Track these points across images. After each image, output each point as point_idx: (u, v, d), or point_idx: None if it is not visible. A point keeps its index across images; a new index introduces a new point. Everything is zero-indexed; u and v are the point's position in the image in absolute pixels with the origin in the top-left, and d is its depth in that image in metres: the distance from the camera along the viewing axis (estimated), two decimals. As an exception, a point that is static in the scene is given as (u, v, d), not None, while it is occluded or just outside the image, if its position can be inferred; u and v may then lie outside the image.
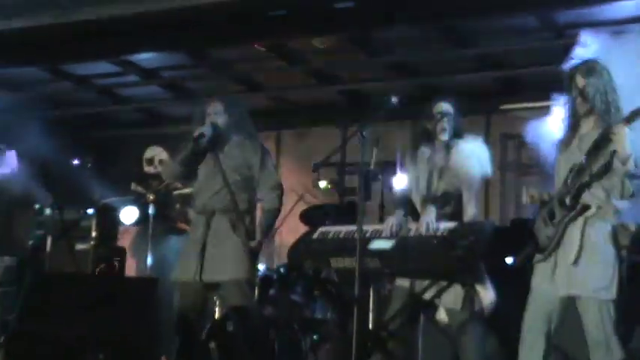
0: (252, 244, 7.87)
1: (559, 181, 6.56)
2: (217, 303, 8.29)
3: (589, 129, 6.48)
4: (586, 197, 6.37)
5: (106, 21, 10.63)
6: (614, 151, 6.10)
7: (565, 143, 6.64)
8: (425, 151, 7.68)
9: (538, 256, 6.63)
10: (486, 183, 7.72)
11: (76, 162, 12.81)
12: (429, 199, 7.42)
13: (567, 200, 6.40)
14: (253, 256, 7.94)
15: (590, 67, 6.47)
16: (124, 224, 12.46)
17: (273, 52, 12.10)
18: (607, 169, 6.20)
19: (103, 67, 12.72)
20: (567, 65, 6.71)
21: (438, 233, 7.00)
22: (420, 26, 10.66)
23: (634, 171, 6.08)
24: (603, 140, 6.26)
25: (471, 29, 10.90)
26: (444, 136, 7.51)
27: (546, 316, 6.53)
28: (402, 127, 11.82)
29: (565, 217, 6.42)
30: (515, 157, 11.08)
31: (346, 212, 10.02)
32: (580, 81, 6.42)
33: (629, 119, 6.10)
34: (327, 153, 11.51)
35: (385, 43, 11.82)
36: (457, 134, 7.50)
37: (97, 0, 10.64)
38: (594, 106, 6.40)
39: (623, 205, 6.36)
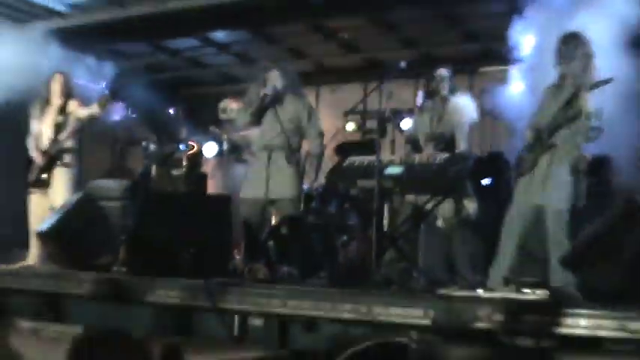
0: (306, 177, 8.07)
1: (543, 119, 6.68)
2: (274, 213, 8.26)
3: (569, 83, 6.54)
4: (557, 135, 6.53)
5: (192, 8, 10.62)
6: (580, 110, 6.35)
7: (552, 90, 6.79)
8: (428, 103, 7.80)
9: (519, 176, 6.73)
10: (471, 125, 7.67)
11: (171, 111, 12.81)
12: (430, 137, 7.50)
13: (544, 136, 6.45)
14: (300, 180, 7.99)
15: (577, 37, 6.53)
16: (205, 156, 12.45)
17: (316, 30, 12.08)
18: (574, 119, 6.43)
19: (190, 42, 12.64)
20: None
21: (436, 161, 7.00)
22: (421, 10, 10.45)
23: (594, 124, 6.29)
24: (574, 98, 6.45)
25: (460, 13, 10.77)
26: (443, 93, 7.64)
27: (522, 217, 6.66)
28: (407, 84, 11.79)
29: (541, 147, 6.56)
30: (490, 106, 11.01)
31: (367, 147, 9.96)
32: (569, 46, 6.50)
33: (592, 87, 6.33)
34: (353, 104, 11.66)
35: (395, 23, 11.75)
36: (452, 91, 7.63)
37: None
38: (574, 69, 6.46)
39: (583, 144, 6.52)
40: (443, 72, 7.83)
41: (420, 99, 8.28)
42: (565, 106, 6.52)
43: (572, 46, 6.57)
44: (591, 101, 6.36)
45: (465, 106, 7.63)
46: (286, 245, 7.48)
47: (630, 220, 5.61)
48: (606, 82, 6.33)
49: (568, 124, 6.50)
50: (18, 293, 6.90)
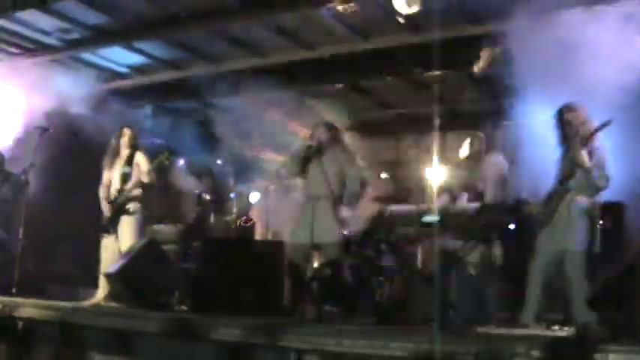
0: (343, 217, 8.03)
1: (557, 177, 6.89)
2: (316, 257, 8.35)
3: (573, 147, 6.78)
4: (571, 183, 6.76)
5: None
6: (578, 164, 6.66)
7: (562, 155, 7.00)
8: (466, 161, 7.96)
9: (541, 226, 6.84)
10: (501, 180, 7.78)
11: (219, 162, 12.95)
12: (463, 188, 7.63)
13: (558, 185, 6.71)
14: (342, 225, 8.05)
15: (571, 106, 6.74)
16: (252, 203, 12.57)
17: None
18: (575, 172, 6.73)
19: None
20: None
21: (468, 211, 7.11)
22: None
23: (596, 175, 6.62)
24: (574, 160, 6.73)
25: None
26: (479, 153, 7.82)
27: (545, 263, 6.78)
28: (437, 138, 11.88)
29: (557, 199, 6.75)
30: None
31: (400, 196, 10.08)
32: (567, 115, 6.72)
33: (592, 134, 6.61)
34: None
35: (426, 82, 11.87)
36: (486, 151, 7.80)
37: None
38: (576, 132, 6.74)
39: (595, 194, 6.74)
40: (477, 135, 8.00)
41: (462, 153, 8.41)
42: (572, 160, 6.74)
43: (568, 115, 6.83)
44: (596, 153, 6.67)
45: (497, 162, 7.78)
46: (329, 286, 7.56)
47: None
48: (605, 125, 6.53)
49: (577, 176, 6.74)
50: (90, 329, 6.99)
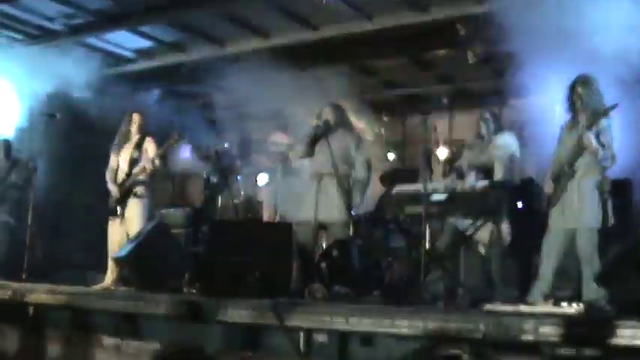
0: (352, 201, 8.07)
1: (563, 152, 6.86)
2: (325, 237, 8.37)
3: (583, 120, 6.68)
4: (579, 162, 6.74)
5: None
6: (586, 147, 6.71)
7: (568, 127, 6.98)
8: (477, 140, 7.92)
9: (551, 204, 6.80)
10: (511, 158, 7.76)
11: (226, 145, 12.94)
12: (471, 167, 7.59)
13: (566, 168, 6.60)
14: (349, 205, 8.07)
15: (586, 79, 6.70)
16: (259, 185, 12.56)
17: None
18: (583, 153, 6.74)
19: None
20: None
21: (477, 189, 7.10)
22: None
23: (603, 156, 6.66)
24: (581, 135, 6.71)
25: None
26: (488, 133, 7.77)
27: (558, 241, 6.77)
28: (443, 117, 11.91)
29: (566, 177, 6.69)
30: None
31: (409, 175, 10.04)
32: (579, 88, 6.69)
33: (598, 116, 6.61)
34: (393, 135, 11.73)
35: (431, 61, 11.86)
36: (497, 130, 7.78)
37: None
38: (587, 106, 6.59)
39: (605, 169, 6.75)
40: (486, 115, 7.97)
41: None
42: (578, 142, 6.73)
43: (580, 88, 6.81)
44: (603, 133, 6.69)
45: (506, 141, 7.75)
46: (337, 266, 7.58)
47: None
48: (612, 108, 6.58)
49: (585, 155, 6.74)
50: (100, 313, 7.02)
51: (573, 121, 6.97)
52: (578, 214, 6.70)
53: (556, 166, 6.98)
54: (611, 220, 6.69)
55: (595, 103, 6.77)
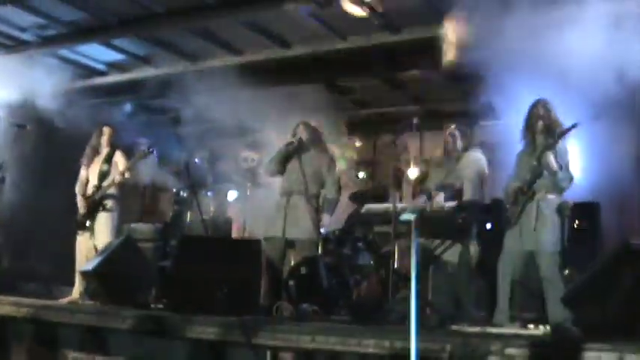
0: (321, 220, 8.14)
1: (520, 175, 6.86)
2: (292, 254, 8.38)
3: (540, 142, 6.75)
4: (538, 184, 6.88)
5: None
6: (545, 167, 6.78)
7: (525, 151, 7.07)
8: (444, 158, 7.95)
9: (508, 226, 6.80)
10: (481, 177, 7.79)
11: (197, 160, 12.91)
12: (440, 187, 7.62)
13: (525, 189, 6.66)
14: (318, 223, 8.12)
15: (546, 103, 6.79)
16: (229, 201, 12.53)
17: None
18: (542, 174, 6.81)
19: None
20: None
21: (445, 209, 7.13)
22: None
23: (561, 176, 6.76)
24: (541, 156, 6.80)
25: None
26: (456, 149, 7.79)
27: (513, 264, 6.81)
28: (414, 137, 11.91)
29: (524, 199, 6.81)
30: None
31: (379, 195, 10.07)
32: (541, 110, 6.75)
33: (559, 137, 6.76)
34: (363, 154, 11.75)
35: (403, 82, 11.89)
36: (465, 148, 7.79)
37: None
38: (546, 129, 6.70)
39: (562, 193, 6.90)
40: (454, 131, 8.00)
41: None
42: (537, 163, 6.84)
43: (541, 110, 6.89)
44: (560, 154, 6.79)
45: (475, 159, 7.78)
46: (305, 284, 7.58)
47: (623, 261, 5.72)
48: (571, 128, 6.64)
49: (544, 176, 6.84)
50: (65, 326, 6.96)
51: (531, 145, 7.06)
52: (537, 236, 6.78)
53: (512, 188, 7.05)
54: (566, 244, 6.82)
55: (554, 125, 6.87)
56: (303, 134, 8.30)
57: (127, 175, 8.52)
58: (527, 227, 6.83)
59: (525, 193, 6.89)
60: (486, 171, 7.79)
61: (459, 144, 7.90)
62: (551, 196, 6.83)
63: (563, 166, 6.76)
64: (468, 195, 7.53)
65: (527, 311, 7.02)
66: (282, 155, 8.27)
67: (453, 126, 8.08)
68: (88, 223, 8.56)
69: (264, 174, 8.72)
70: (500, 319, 6.75)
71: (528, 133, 7.09)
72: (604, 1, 7.27)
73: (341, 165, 10.01)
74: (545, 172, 6.79)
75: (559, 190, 6.83)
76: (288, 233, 8.00)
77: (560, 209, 6.84)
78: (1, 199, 9.38)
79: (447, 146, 7.98)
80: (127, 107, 12.70)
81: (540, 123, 6.94)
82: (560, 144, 6.77)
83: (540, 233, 6.75)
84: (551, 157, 6.68)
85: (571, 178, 6.82)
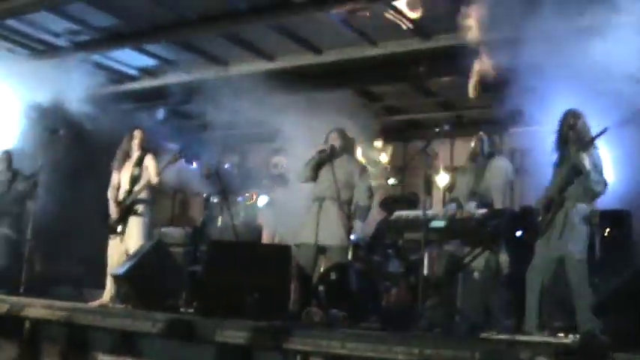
0: (352, 226, 8.16)
1: (554, 185, 6.80)
2: (323, 260, 8.40)
3: (573, 152, 6.74)
4: (568, 191, 6.86)
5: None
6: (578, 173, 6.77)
7: (558, 162, 7.10)
8: (471, 164, 7.95)
9: (539, 235, 6.88)
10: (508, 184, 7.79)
11: (227, 165, 12.99)
12: (471, 195, 7.62)
13: (556, 196, 6.68)
14: (349, 230, 8.13)
15: (576, 112, 6.76)
16: (259, 207, 12.56)
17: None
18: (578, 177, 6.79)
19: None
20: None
21: (475, 217, 7.12)
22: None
23: (594, 179, 6.73)
24: (574, 164, 6.81)
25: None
26: (483, 154, 7.79)
27: (542, 270, 6.87)
28: (444, 143, 11.95)
29: (555, 207, 6.86)
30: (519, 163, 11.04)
31: (409, 202, 10.10)
32: (572, 120, 6.75)
33: (589, 142, 6.77)
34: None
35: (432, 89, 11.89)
36: (491, 154, 7.77)
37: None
38: (577, 138, 6.67)
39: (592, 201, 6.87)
40: (482, 136, 8.01)
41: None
42: (570, 170, 6.84)
43: (572, 119, 6.91)
44: (593, 158, 6.78)
45: (502, 167, 7.80)
46: (335, 290, 7.60)
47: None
48: (602, 132, 6.63)
49: (575, 183, 6.83)
50: (96, 330, 7.02)
51: (564, 155, 7.06)
52: (564, 244, 6.78)
53: (546, 197, 7.07)
54: (597, 253, 6.82)
55: (585, 135, 6.88)
56: (335, 142, 8.35)
57: (157, 179, 8.59)
58: (555, 235, 6.85)
59: (556, 200, 6.89)
60: (513, 178, 7.80)
61: (486, 149, 7.92)
62: (580, 205, 6.82)
63: (598, 170, 6.75)
64: (497, 203, 7.54)
65: (557, 320, 7.00)
66: (315, 162, 8.31)
67: (481, 132, 8.08)
68: (119, 228, 8.63)
69: (298, 180, 8.73)
70: (530, 328, 6.75)
71: (560, 144, 7.09)
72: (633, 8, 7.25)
73: (372, 171, 10.00)
74: (577, 180, 6.78)
75: (591, 197, 6.82)
76: (319, 239, 7.99)
77: (588, 217, 6.84)
78: (35, 202, 9.49)
79: (473, 151, 8.00)
80: (160, 112, 12.77)
81: (571, 133, 6.94)
82: (593, 150, 6.76)
83: (568, 241, 6.76)
84: (584, 157, 6.67)
85: (605, 183, 6.81)
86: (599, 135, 6.68)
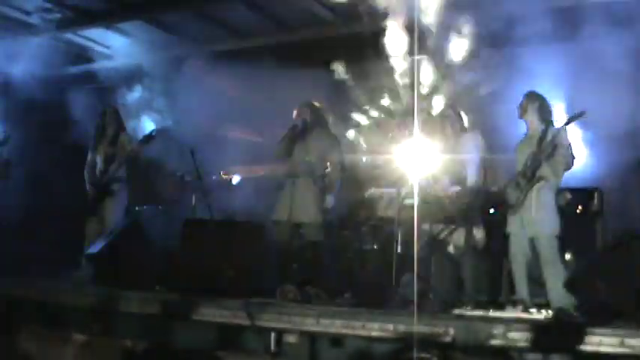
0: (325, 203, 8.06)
1: (520, 163, 6.86)
2: (297, 237, 8.37)
3: (533, 130, 6.92)
4: (540, 171, 6.83)
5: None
6: (556, 145, 6.76)
7: (523, 140, 7.20)
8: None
9: (510, 210, 6.80)
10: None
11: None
12: (443, 171, 7.62)
13: (528, 174, 6.64)
14: (323, 207, 8.09)
15: (535, 94, 6.92)
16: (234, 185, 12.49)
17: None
18: (552, 154, 6.81)
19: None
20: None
21: (449, 193, 7.15)
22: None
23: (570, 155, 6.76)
24: (544, 137, 6.87)
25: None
26: (452, 132, 7.79)
27: (524, 250, 6.81)
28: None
29: (526, 185, 6.86)
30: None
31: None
32: (531, 100, 6.84)
33: (567, 122, 6.77)
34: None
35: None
36: (461, 130, 7.75)
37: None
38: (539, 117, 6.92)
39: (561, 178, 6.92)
40: (449, 112, 7.98)
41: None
42: (539, 146, 6.87)
43: (531, 99, 6.94)
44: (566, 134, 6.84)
45: (473, 139, 7.76)
46: (310, 268, 7.60)
47: (626, 246, 5.76)
48: (579, 115, 6.67)
49: (547, 160, 6.85)
50: (72, 309, 7.00)
51: (528, 133, 7.18)
52: (535, 223, 6.84)
53: (516, 175, 7.13)
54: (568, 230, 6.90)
55: (546, 112, 7.08)
56: (307, 115, 8.26)
57: (134, 148, 8.54)
58: (528, 214, 6.88)
59: (528, 177, 6.91)
60: (485, 153, 7.78)
61: (456, 125, 7.88)
62: (550, 183, 6.87)
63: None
64: (471, 179, 7.54)
65: (531, 296, 7.03)
66: (288, 138, 8.22)
67: (447, 108, 8.09)
68: (96, 207, 8.58)
69: (274, 157, 8.63)
70: (520, 296, 6.84)
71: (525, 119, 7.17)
72: None
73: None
74: (545, 159, 6.81)
75: (563, 170, 6.86)
76: (294, 216, 7.94)
77: (558, 194, 6.91)
78: (9, 183, 9.40)
79: (442, 128, 7.97)
80: (136, 91, 12.65)
81: (532, 112, 7.01)
82: (563, 129, 6.80)
83: (539, 218, 6.82)
84: (562, 133, 6.76)
85: (574, 157, 6.85)
86: (577, 117, 6.71)
